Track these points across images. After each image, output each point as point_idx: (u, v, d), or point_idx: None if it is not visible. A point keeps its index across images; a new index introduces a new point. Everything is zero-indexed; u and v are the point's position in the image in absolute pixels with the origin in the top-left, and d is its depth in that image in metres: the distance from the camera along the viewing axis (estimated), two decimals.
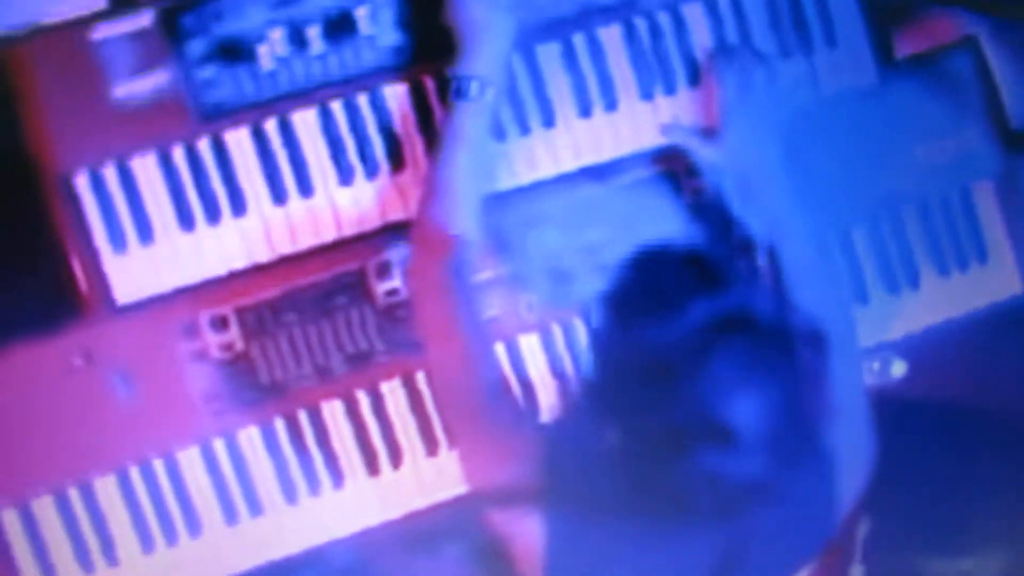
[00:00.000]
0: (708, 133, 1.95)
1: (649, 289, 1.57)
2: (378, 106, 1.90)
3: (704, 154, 1.94)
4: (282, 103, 1.87)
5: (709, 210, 1.98)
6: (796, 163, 1.93)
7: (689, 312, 1.50)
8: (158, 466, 1.86)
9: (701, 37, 1.99)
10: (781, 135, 1.94)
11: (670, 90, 1.98)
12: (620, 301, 1.59)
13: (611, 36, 1.96)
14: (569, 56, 1.95)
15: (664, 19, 1.97)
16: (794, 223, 1.90)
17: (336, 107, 1.88)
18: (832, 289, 1.94)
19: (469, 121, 1.80)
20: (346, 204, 1.89)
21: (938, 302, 2.09)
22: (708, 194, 1.98)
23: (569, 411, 1.85)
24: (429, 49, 1.90)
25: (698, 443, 1.47)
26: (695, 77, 1.99)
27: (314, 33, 1.87)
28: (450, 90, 1.81)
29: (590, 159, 1.96)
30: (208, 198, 1.85)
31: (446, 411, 1.84)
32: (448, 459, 1.93)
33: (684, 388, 1.47)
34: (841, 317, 1.89)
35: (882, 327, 2.06)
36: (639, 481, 1.53)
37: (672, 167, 1.98)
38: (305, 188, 1.87)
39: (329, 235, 1.88)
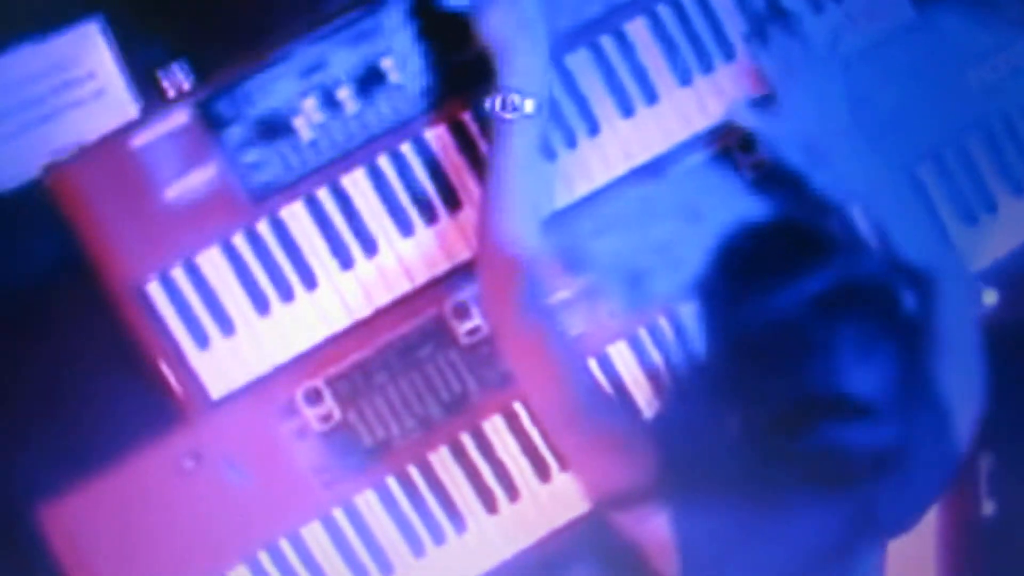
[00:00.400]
0: (762, 105, 1.93)
1: (750, 266, 1.55)
2: (423, 151, 1.90)
3: (764, 126, 1.91)
4: (329, 169, 1.87)
5: (774, 181, 1.96)
6: (852, 112, 1.91)
7: (796, 283, 1.48)
8: (285, 546, 1.88)
9: (728, 10, 1.96)
10: (839, 89, 1.91)
11: (707, 69, 1.96)
12: (722, 283, 1.57)
13: (638, 30, 1.94)
14: (600, 59, 1.93)
15: (689, 0, 1.95)
16: (878, 173, 1.88)
17: (383, 161, 1.89)
18: (932, 229, 1.92)
19: (517, 136, 1.79)
20: (411, 254, 1.89)
21: (1019, 223, 2.05)
22: (768, 166, 1.95)
23: (677, 403, 1.84)
24: (460, 84, 1.89)
25: (824, 415, 1.46)
26: (730, 51, 1.96)
27: (345, 94, 1.87)
28: (491, 111, 1.80)
29: (642, 157, 1.95)
30: (277, 278, 1.87)
31: (551, 431, 1.83)
32: (562, 482, 1.93)
33: (804, 361, 1.46)
34: (947, 254, 1.87)
35: (967, 259, 2.03)
36: (763, 460, 1.53)
37: (725, 146, 1.97)
38: (369, 247, 1.88)
39: (401, 287, 1.89)
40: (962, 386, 1.73)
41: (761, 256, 1.55)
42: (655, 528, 1.64)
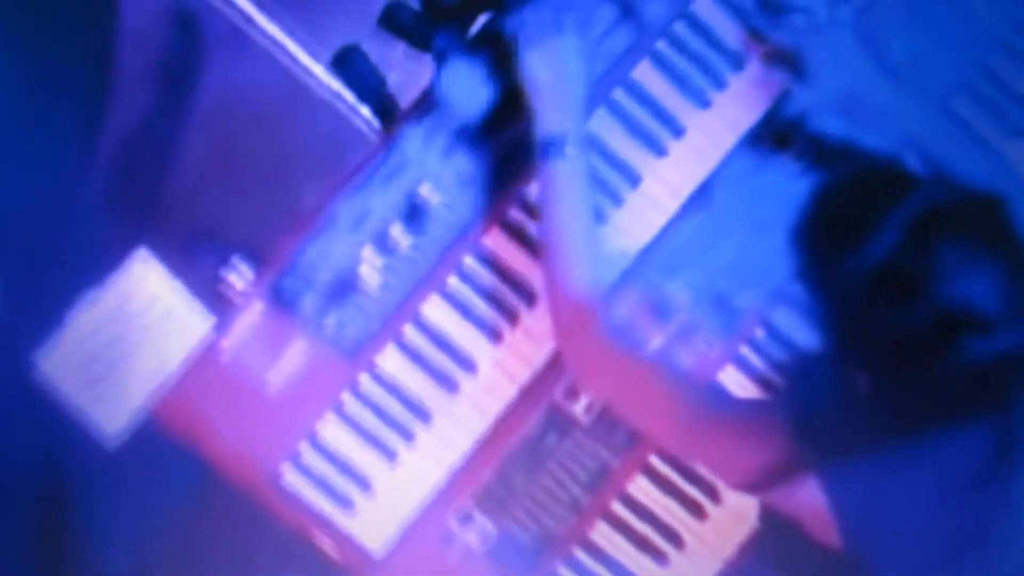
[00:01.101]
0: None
1: (836, 224, 1.60)
2: (486, 260, 1.95)
3: (800, 104, 1.95)
4: (407, 305, 1.94)
5: (825, 160, 1.99)
6: (875, 62, 1.93)
7: (888, 221, 1.53)
8: None
9: (720, 20, 1.99)
10: (854, 44, 1.94)
11: (721, 85, 1.99)
12: (816, 252, 1.62)
13: (644, 73, 1.98)
14: (619, 112, 1.97)
15: (681, 27, 1.98)
16: (921, 115, 1.91)
17: (452, 281, 1.95)
18: (988, 154, 1.95)
19: (562, 179, 1.83)
20: (507, 357, 1.95)
21: None
22: (812, 149, 1.98)
23: (799, 380, 1.89)
24: (499, 182, 1.95)
25: (953, 338, 1.51)
26: (736, 61, 1.99)
27: (397, 231, 1.93)
28: (535, 158, 1.85)
29: (689, 188, 1.99)
30: (394, 423, 1.94)
31: (681, 445, 1.88)
32: (719, 514, 1.99)
33: (919, 292, 1.51)
34: (1010, 174, 1.89)
35: None
36: (903, 402, 1.58)
37: (763, 149, 2.00)
38: (467, 366, 1.95)
39: (509, 392, 1.95)
40: None
41: (842, 212, 1.59)
42: (807, 497, 1.68)
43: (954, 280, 1.50)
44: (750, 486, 1.75)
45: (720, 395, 1.87)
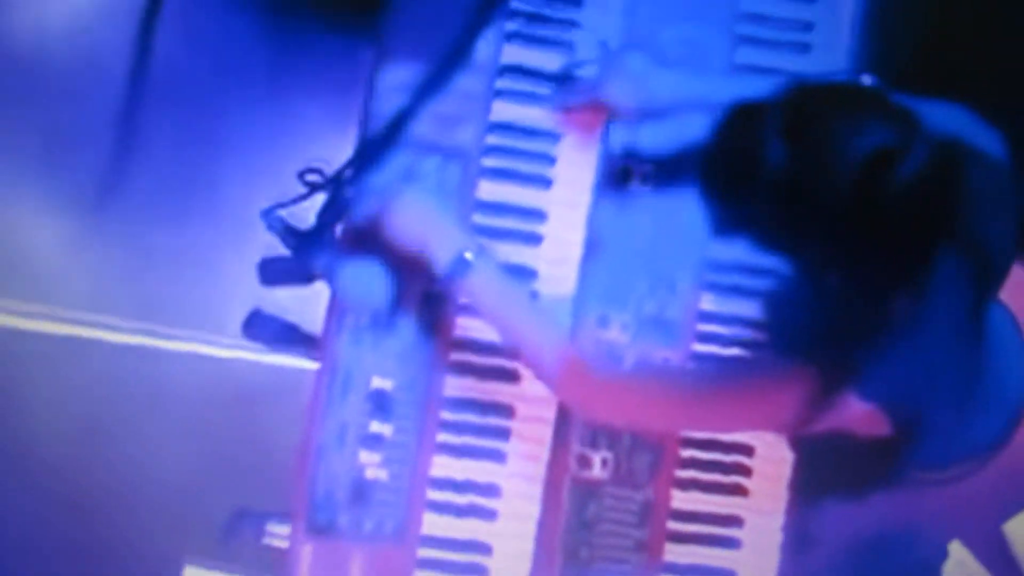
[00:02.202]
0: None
1: (730, 155, 1.74)
2: (459, 404, 2.21)
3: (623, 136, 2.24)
4: (419, 475, 2.18)
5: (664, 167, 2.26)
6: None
7: (766, 135, 1.68)
8: None
9: (523, 113, 2.27)
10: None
11: (552, 161, 2.27)
12: (724, 186, 1.75)
13: (486, 189, 2.26)
14: (483, 230, 2.24)
15: (494, 137, 2.26)
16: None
17: (442, 437, 2.19)
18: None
19: (484, 285, 2.04)
20: (519, 465, 2.20)
21: None
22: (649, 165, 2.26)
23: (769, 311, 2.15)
24: (435, 330, 2.20)
25: (880, 178, 1.64)
26: (554, 136, 2.28)
27: (376, 427, 2.18)
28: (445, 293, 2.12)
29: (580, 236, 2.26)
30: (464, 570, 2.18)
31: (729, 431, 2.14)
32: (758, 481, 2.24)
33: (830, 170, 1.64)
34: None
35: None
36: (874, 266, 1.73)
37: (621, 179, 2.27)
38: (493, 492, 2.20)
39: (536, 492, 2.20)
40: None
41: (729, 148, 1.75)
42: (852, 408, 1.87)
43: (852, 141, 1.63)
44: (807, 428, 1.92)
45: (724, 371, 2.06)
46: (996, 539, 2.84)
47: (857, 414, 1.90)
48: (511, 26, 2.28)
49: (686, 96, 2.19)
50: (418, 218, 2.08)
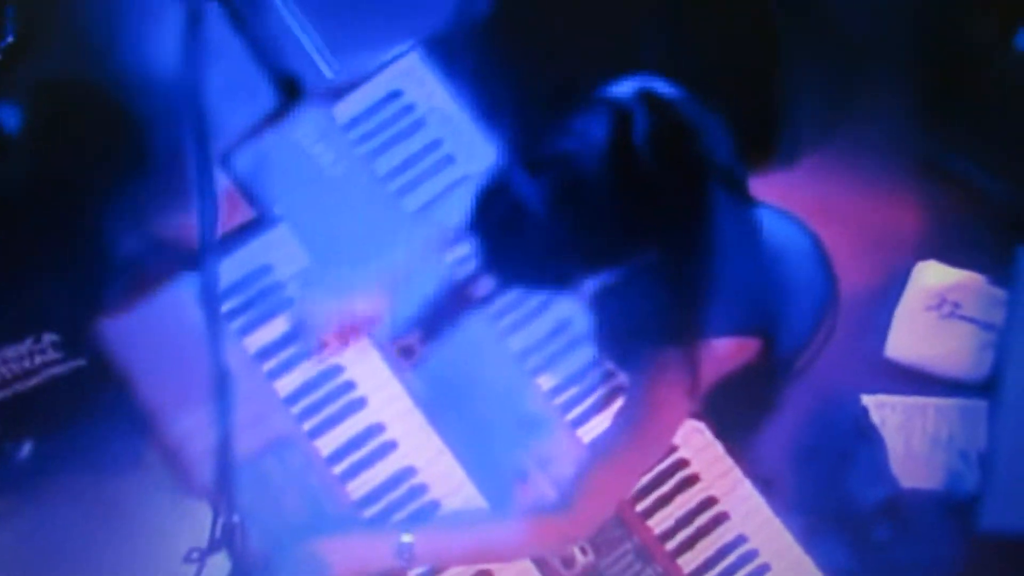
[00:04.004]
0: None
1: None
2: None
3: None
4: None
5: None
6: None
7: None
8: None
9: None
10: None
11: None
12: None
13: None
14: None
15: None
16: None
17: None
18: None
19: (431, 542, 2.17)
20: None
21: None
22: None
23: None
24: None
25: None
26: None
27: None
28: None
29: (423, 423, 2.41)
30: None
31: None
32: (708, 481, 2.42)
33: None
34: None
35: None
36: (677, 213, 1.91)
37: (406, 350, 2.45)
38: None
39: None
40: None
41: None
42: (719, 349, 2.07)
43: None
44: (699, 389, 2.07)
45: (611, 422, 2.19)
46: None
47: (725, 351, 2.10)
48: (238, 322, 2.46)
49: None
50: (340, 554, 2.16)
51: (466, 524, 2.25)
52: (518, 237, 1.86)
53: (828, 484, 2.99)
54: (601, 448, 2.19)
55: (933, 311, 3.08)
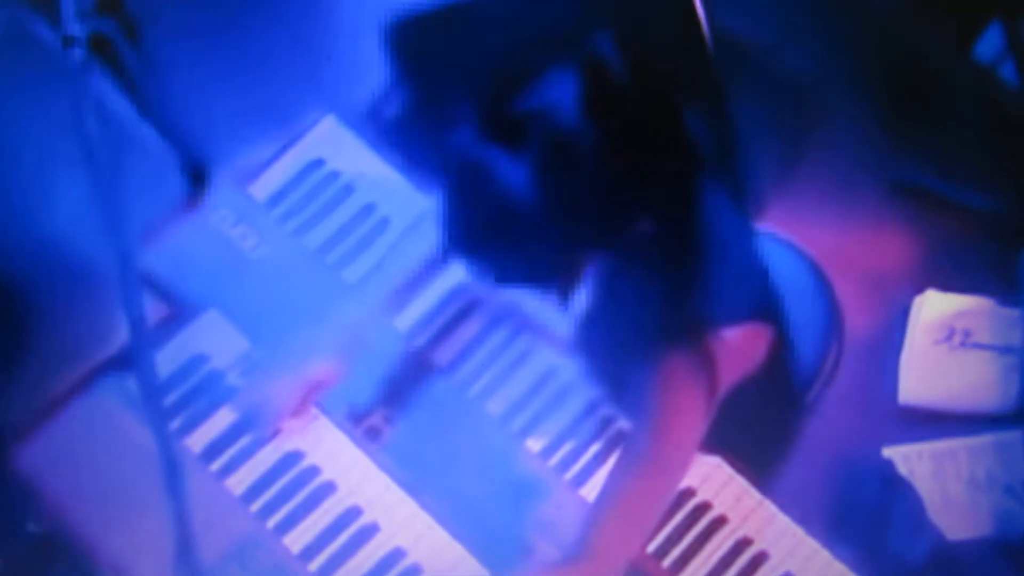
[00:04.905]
0: None
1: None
2: None
3: None
4: None
5: None
6: None
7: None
8: None
9: None
10: None
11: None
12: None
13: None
14: None
15: None
16: None
17: None
18: None
19: None
20: None
21: None
22: None
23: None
24: None
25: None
26: None
27: None
28: None
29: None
30: None
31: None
32: (721, 504, 2.11)
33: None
34: None
35: None
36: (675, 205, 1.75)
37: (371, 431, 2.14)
38: None
39: None
40: None
41: None
42: (729, 341, 1.87)
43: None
44: (716, 390, 1.87)
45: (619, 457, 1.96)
46: None
47: (737, 341, 1.88)
48: (177, 422, 2.16)
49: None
50: None
51: None
52: (505, 229, 1.67)
53: (868, 549, 2.64)
54: (613, 484, 1.92)
55: (943, 344, 2.81)
